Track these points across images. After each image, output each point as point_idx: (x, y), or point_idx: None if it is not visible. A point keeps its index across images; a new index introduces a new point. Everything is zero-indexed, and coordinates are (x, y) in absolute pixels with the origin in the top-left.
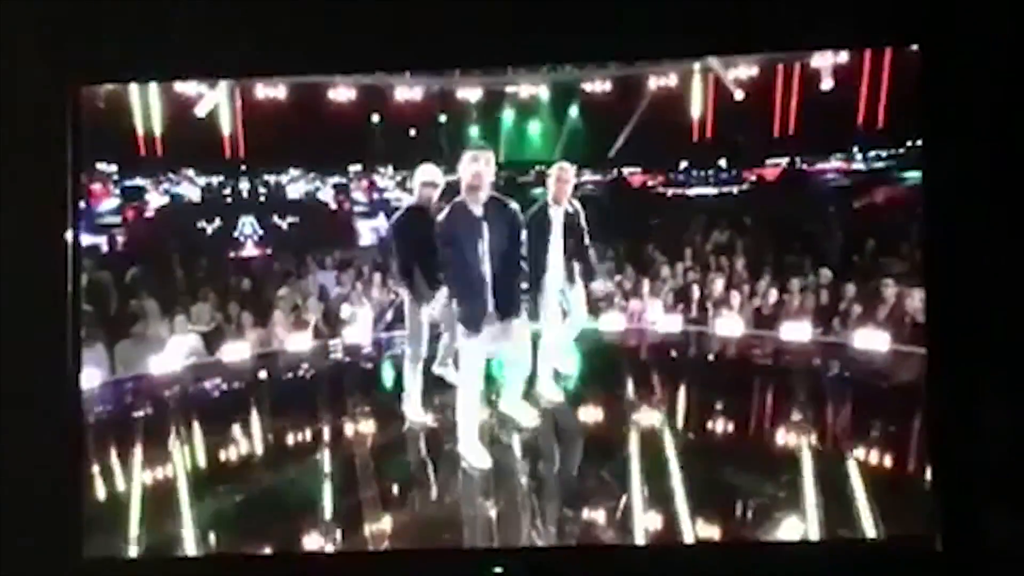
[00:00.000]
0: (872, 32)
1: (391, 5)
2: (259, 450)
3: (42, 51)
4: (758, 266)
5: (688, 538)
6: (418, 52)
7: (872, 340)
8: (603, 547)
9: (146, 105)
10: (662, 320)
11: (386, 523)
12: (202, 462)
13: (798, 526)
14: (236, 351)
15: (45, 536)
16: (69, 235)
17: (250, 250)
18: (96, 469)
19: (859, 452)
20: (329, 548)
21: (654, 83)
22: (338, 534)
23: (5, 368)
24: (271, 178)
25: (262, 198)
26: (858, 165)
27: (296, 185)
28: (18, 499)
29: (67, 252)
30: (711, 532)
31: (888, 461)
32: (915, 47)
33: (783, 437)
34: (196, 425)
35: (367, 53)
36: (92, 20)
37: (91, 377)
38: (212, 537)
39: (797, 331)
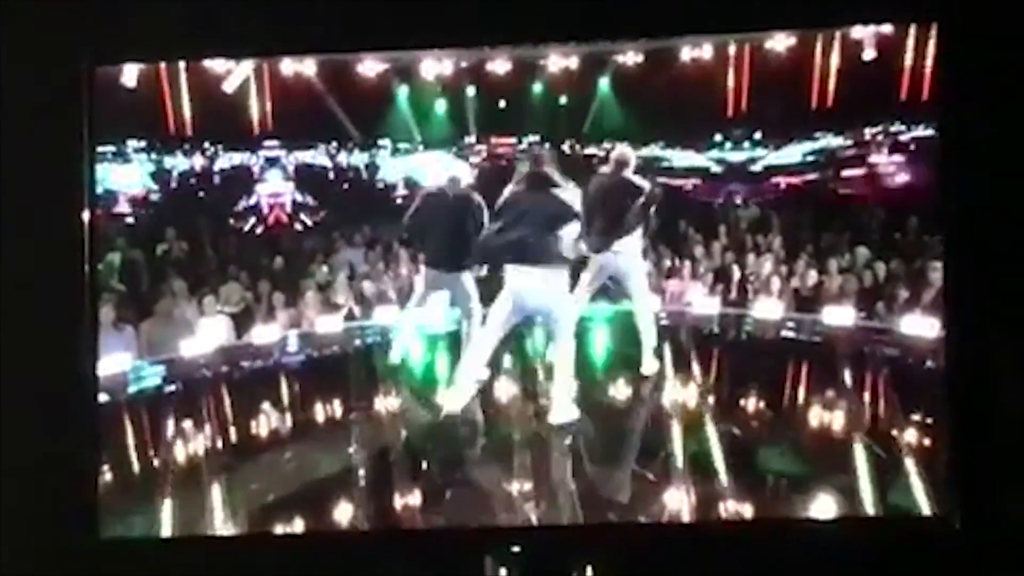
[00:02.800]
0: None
1: None
2: (287, 431)
3: (63, 30)
4: (795, 245)
5: (720, 515)
6: (445, 28)
7: (919, 325)
8: (621, 526)
9: (175, 83)
10: (700, 302)
11: (409, 501)
12: (227, 443)
13: (817, 504)
14: (266, 333)
15: (64, 517)
16: (86, 215)
17: (280, 228)
18: (116, 450)
19: (878, 431)
20: (348, 527)
21: (687, 55)
22: (360, 514)
23: (25, 350)
24: (299, 154)
25: (291, 174)
26: (902, 138)
27: (324, 160)
28: (38, 480)
29: (83, 233)
30: (740, 510)
31: (907, 440)
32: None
33: (807, 417)
34: (221, 407)
35: (394, 29)
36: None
37: (121, 361)
38: (237, 519)
39: (838, 314)
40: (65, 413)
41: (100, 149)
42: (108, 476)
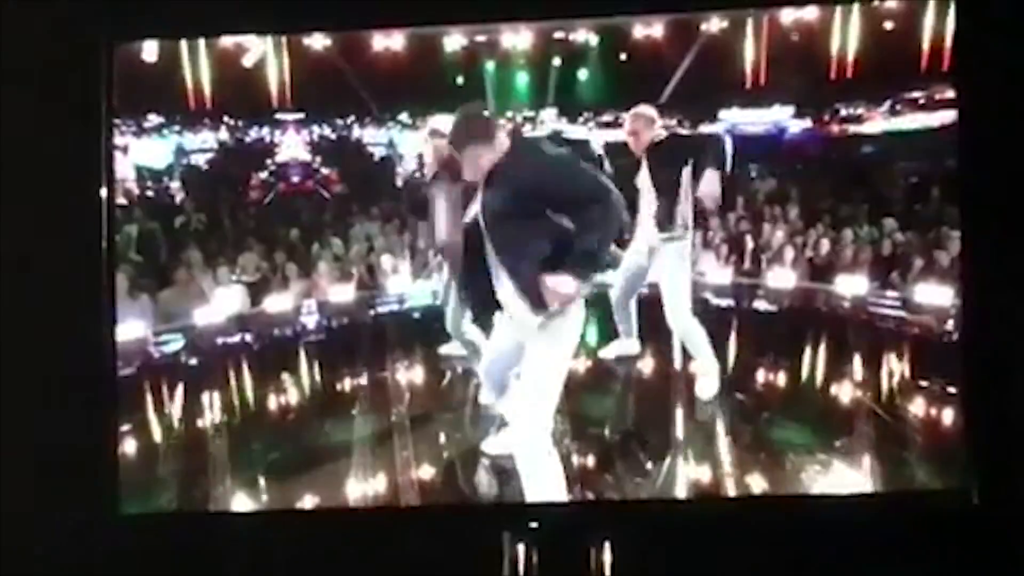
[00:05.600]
0: None
1: None
2: (301, 402)
3: (83, 7)
4: (813, 215)
5: (731, 492)
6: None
7: (934, 295)
8: (638, 502)
9: (194, 57)
10: (712, 272)
11: (423, 476)
12: (242, 415)
13: (834, 479)
14: (280, 302)
15: (82, 492)
16: (104, 192)
17: (297, 200)
18: (132, 424)
19: (895, 406)
20: (366, 503)
21: (706, 27)
22: (375, 489)
23: (44, 325)
24: (317, 128)
25: (308, 147)
26: (920, 112)
27: (343, 134)
28: (56, 455)
29: (101, 209)
30: (753, 485)
31: (924, 414)
32: None
33: (824, 390)
34: (237, 378)
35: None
36: None
37: (135, 328)
38: (253, 491)
39: (852, 284)
40: (85, 388)
41: (119, 123)
42: (131, 447)
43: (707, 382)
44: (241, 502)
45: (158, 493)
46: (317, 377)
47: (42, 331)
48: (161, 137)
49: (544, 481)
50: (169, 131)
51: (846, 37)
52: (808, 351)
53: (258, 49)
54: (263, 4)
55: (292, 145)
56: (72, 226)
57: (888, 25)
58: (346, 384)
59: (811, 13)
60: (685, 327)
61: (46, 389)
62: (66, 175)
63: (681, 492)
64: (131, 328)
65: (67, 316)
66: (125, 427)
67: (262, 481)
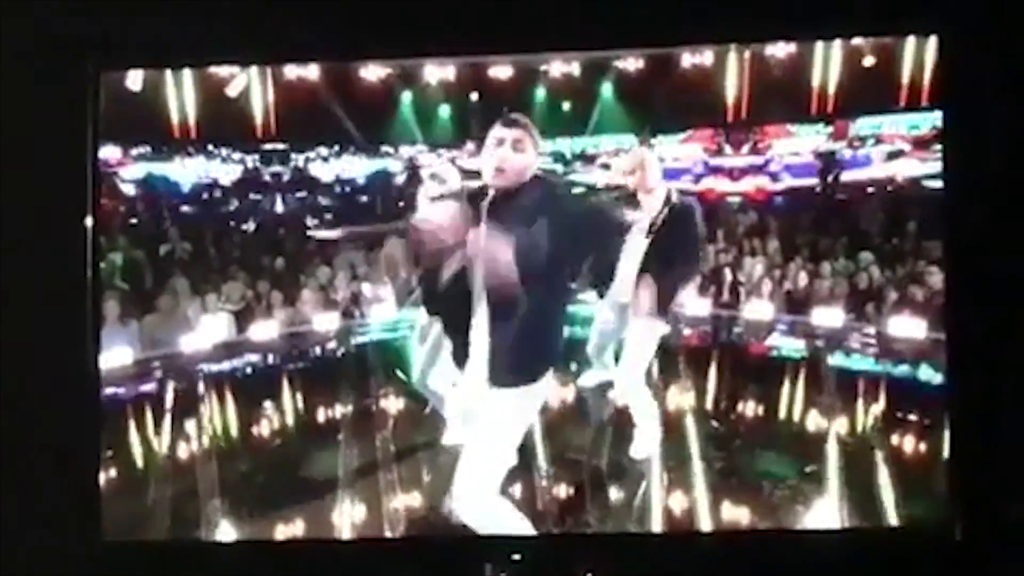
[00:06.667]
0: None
1: None
2: (283, 430)
3: (69, 35)
4: (792, 249)
5: (708, 526)
6: (446, 36)
7: (907, 327)
8: (622, 535)
9: (179, 86)
10: (691, 304)
11: (406, 507)
12: (226, 442)
13: (816, 514)
14: (264, 329)
15: (65, 519)
16: (89, 221)
17: (283, 229)
18: (115, 450)
19: (877, 440)
20: (349, 533)
21: (688, 61)
22: (358, 519)
23: (29, 353)
24: (302, 156)
25: (294, 177)
26: (901, 144)
27: (327, 164)
28: (40, 482)
29: (86, 238)
30: (732, 519)
31: (906, 449)
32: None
33: (804, 423)
34: (221, 404)
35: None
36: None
37: (122, 355)
38: (236, 521)
39: (828, 316)
40: (67, 412)
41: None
42: (112, 474)
43: (643, 442)
44: (224, 532)
45: (141, 521)
46: (300, 405)
47: (26, 356)
48: (148, 163)
49: (499, 524)
50: (155, 159)
51: (827, 71)
52: (786, 383)
53: (242, 78)
54: (248, 34)
55: (276, 174)
56: (57, 253)
57: (869, 60)
58: (328, 413)
59: (791, 49)
60: (636, 393)
61: (29, 415)
62: (50, 202)
63: (661, 525)
64: (119, 354)
65: (51, 342)
66: (108, 454)
67: (245, 511)
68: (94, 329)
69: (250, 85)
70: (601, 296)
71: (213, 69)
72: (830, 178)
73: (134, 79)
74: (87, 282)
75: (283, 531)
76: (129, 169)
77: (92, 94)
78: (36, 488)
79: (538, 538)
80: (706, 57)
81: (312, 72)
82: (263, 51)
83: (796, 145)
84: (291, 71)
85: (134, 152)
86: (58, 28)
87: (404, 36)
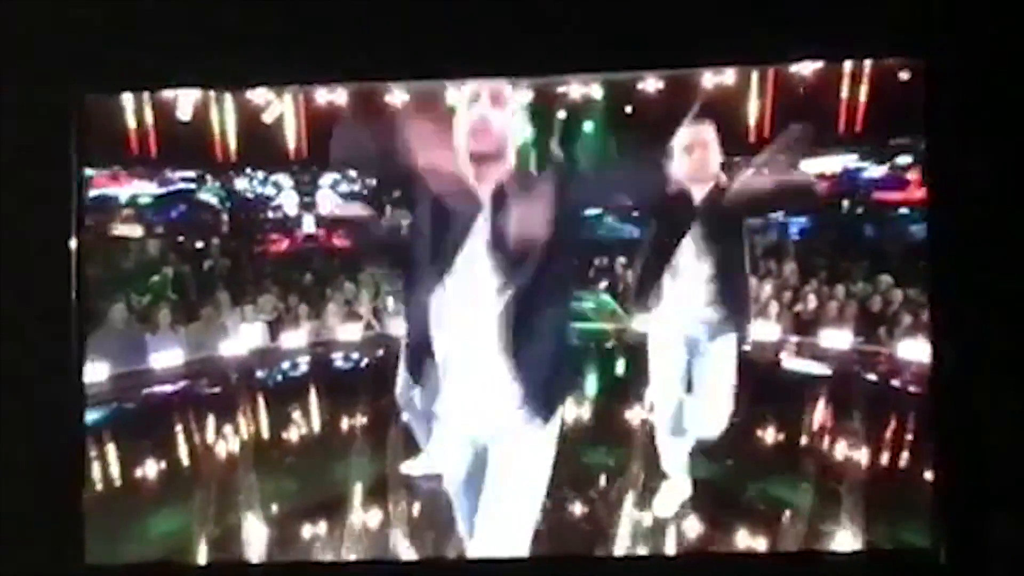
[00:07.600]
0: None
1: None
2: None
3: (57, 58)
4: (809, 271)
5: (702, 548)
6: (469, 58)
7: (914, 350)
8: (597, 558)
9: (221, 112)
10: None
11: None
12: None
13: (800, 536)
14: (292, 339)
15: (48, 539)
16: (73, 243)
17: (311, 245)
18: (99, 471)
19: (861, 461)
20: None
21: (710, 82)
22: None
23: (16, 371)
24: (330, 176)
25: (323, 198)
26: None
27: (355, 188)
28: (21, 501)
29: (70, 260)
30: (721, 542)
31: (891, 471)
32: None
33: (790, 444)
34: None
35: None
36: (108, 25)
37: (174, 356)
38: (225, 543)
39: (836, 338)
40: (53, 434)
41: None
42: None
43: (671, 497)
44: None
45: (125, 542)
46: (316, 419)
47: (10, 375)
48: (184, 188)
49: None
50: (194, 183)
51: (854, 92)
52: (768, 402)
53: (276, 104)
54: (274, 57)
55: (307, 195)
56: (42, 274)
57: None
58: (345, 426)
59: (817, 68)
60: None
61: (12, 432)
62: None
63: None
64: (170, 356)
65: (35, 361)
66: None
67: (237, 531)
68: (79, 349)
69: (283, 111)
70: None
71: (250, 94)
72: (854, 198)
73: (184, 108)
74: (71, 304)
75: (285, 553)
76: (174, 195)
77: (76, 116)
78: (16, 508)
79: (510, 562)
80: (727, 77)
81: (340, 97)
82: (292, 73)
83: (821, 165)
84: (321, 96)
85: (176, 177)
86: (48, 53)
87: (424, 59)
